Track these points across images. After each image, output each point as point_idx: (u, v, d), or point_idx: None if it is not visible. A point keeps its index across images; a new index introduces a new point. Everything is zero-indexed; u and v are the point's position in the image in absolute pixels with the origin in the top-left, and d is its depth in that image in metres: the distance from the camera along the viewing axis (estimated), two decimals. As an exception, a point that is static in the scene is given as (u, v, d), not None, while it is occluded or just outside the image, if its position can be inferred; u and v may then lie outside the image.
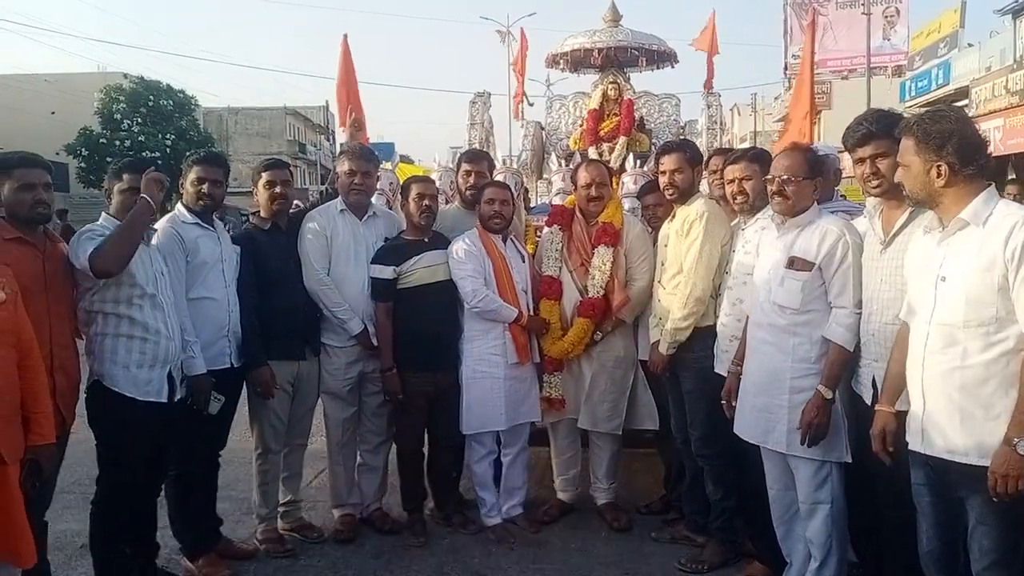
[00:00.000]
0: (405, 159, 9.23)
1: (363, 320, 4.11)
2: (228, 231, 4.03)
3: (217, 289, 3.73)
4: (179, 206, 3.81)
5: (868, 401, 2.91)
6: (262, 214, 4.12)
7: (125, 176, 3.39)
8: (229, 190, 4.22)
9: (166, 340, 3.34)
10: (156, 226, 3.53)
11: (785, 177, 3.17)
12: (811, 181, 3.19)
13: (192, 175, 3.77)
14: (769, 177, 3.26)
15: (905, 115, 2.87)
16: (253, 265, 3.92)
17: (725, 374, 3.56)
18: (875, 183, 2.92)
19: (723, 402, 3.52)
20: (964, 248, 2.43)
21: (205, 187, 3.76)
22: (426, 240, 4.16)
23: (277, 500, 4.20)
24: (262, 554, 4.02)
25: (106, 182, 3.52)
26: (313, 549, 4.11)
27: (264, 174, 4.04)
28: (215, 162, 3.89)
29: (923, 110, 2.80)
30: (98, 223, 3.35)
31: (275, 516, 4.19)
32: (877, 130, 2.88)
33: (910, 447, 2.59)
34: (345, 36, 6.30)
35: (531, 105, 8.01)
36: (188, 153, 4.05)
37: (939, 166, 2.44)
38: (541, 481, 4.92)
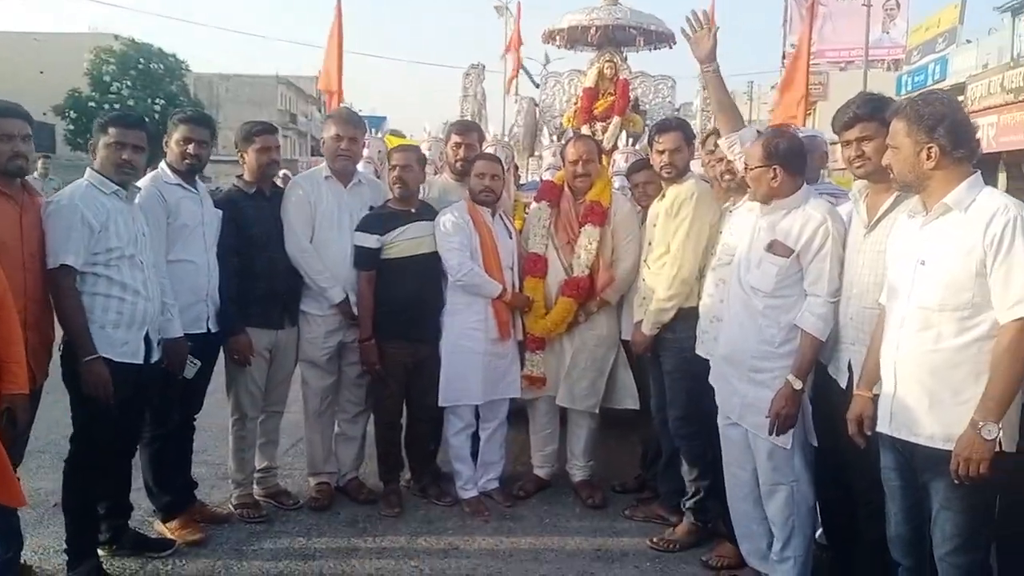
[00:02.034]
0: (396, 133, 9.16)
1: (344, 289, 4.08)
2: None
3: (197, 253, 3.69)
4: (162, 165, 3.75)
5: (843, 385, 2.92)
6: (247, 178, 4.06)
7: (111, 130, 3.31)
8: (216, 158, 4.17)
9: (144, 301, 3.29)
10: (139, 184, 3.48)
11: (755, 166, 3.18)
12: (789, 174, 3.15)
13: (178, 134, 3.71)
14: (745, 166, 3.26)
15: (893, 100, 2.87)
16: (235, 230, 3.88)
17: (705, 356, 3.56)
18: (859, 164, 2.93)
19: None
20: (945, 233, 2.44)
21: (191, 147, 3.71)
22: (413, 211, 4.13)
23: (253, 466, 4.19)
24: (236, 519, 4.01)
25: (92, 135, 3.44)
26: (288, 516, 4.11)
27: (257, 139, 3.98)
28: (202, 122, 3.83)
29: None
30: (82, 181, 3.29)
31: (251, 482, 4.18)
32: (862, 113, 2.90)
33: (878, 429, 2.61)
34: (339, 2, 6.21)
35: (537, 86, 7.92)
36: (174, 111, 3.97)
37: (930, 147, 2.44)
38: (518, 458, 4.93)
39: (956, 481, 2.33)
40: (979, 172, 2.50)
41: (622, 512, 4.23)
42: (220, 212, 3.84)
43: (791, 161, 3.15)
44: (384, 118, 31.19)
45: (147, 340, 3.33)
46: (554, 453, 4.58)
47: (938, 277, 2.42)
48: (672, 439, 3.94)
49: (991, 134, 14.66)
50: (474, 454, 4.37)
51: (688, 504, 3.90)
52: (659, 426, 4.07)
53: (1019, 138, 14.10)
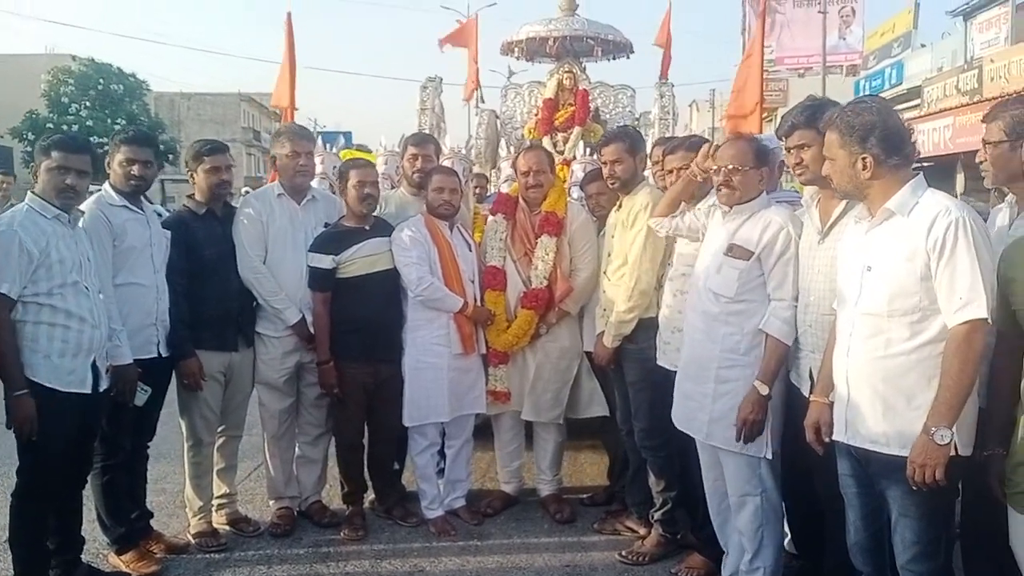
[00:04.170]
0: (362, 148, 9.07)
1: (300, 309, 4.00)
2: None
3: (145, 275, 3.59)
4: (106, 187, 3.65)
5: (806, 393, 2.90)
6: (198, 198, 3.97)
7: (54, 154, 3.19)
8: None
9: (91, 328, 3.19)
10: (82, 207, 3.38)
11: (731, 167, 3.13)
12: (757, 171, 3.16)
13: (120, 155, 3.61)
14: (715, 168, 3.22)
15: (836, 104, 2.87)
16: (185, 251, 3.78)
17: (667, 366, 3.52)
18: (799, 172, 2.95)
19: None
20: (889, 238, 2.44)
21: (135, 168, 3.61)
22: (367, 228, 4.05)
23: (211, 493, 4.08)
24: (194, 548, 3.90)
25: (35, 157, 3.33)
26: (248, 543, 4.00)
27: (207, 158, 3.89)
28: (145, 142, 3.74)
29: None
30: (23, 206, 3.18)
31: (209, 509, 4.07)
32: (799, 121, 2.92)
33: (834, 436, 2.59)
34: (289, 14, 6.12)
35: (482, 101, 7.94)
36: (115, 131, 3.87)
37: (864, 158, 2.44)
38: (486, 474, 4.87)
39: (913, 488, 2.31)
40: (921, 174, 2.50)
41: (591, 526, 4.18)
42: (168, 233, 3.74)
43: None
44: (349, 132, 31.05)
45: (95, 368, 3.22)
46: (521, 468, 4.53)
47: (885, 282, 2.41)
48: (638, 450, 3.90)
49: (947, 136, 14.93)
50: (440, 471, 4.30)
51: (656, 515, 3.85)
52: (625, 437, 4.03)
53: (975, 139, 14.17)
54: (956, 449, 2.29)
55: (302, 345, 4.04)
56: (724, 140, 3.50)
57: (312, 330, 3.98)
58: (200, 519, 4.00)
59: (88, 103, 27.98)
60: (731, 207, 3.18)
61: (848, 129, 2.46)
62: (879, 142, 2.42)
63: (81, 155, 3.25)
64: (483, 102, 7.93)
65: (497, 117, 7.34)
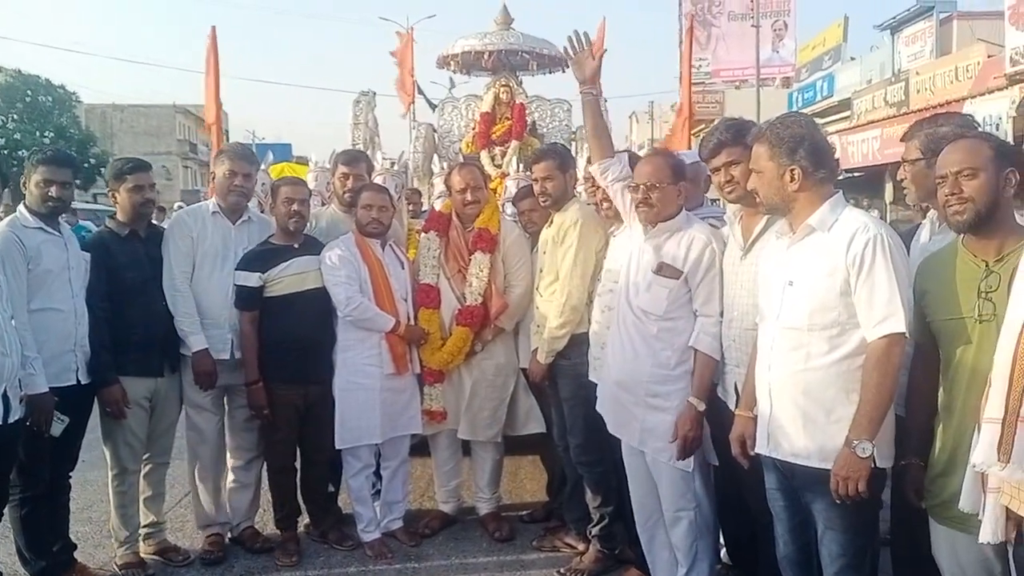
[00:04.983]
0: (301, 160, 8.92)
1: (228, 335, 3.88)
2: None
3: (63, 300, 3.47)
4: (21, 208, 3.51)
5: (732, 407, 2.92)
6: (120, 219, 3.85)
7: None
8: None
9: (1, 356, 3.04)
10: None
11: (649, 183, 3.15)
12: (675, 187, 3.18)
13: (37, 176, 3.48)
14: (632, 185, 3.24)
15: (755, 123, 2.92)
16: (106, 274, 3.67)
17: (597, 381, 3.53)
18: (729, 189, 2.97)
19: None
20: (810, 253, 2.48)
21: (53, 190, 3.49)
22: (296, 246, 3.97)
23: (138, 522, 3.94)
24: (119, 580, 3.77)
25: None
26: (177, 573, 3.89)
27: (129, 177, 3.78)
28: (64, 162, 3.61)
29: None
30: None
31: (136, 539, 3.93)
32: (727, 138, 2.94)
33: (756, 450, 2.62)
34: (213, 28, 5.99)
35: (434, 108, 7.90)
36: (31, 151, 3.72)
37: (792, 170, 2.49)
38: (424, 493, 4.82)
39: (837, 500, 2.35)
40: (840, 192, 2.56)
41: (530, 543, 4.16)
42: (87, 255, 3.62)
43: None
44: (288, 145, 30.63)
45: (5, 399, 3.06)
46: (459, 487, 4.49)
47: (805, 297, 2.45)
48: (575, 466, 3.89)
49: (876, 147, 15.37)
50: (376, 493, 4.23)
51: (594, 531, 3.85)
52: (562, 453, 4.03)
53: (902, 150, 14.81)
54: (875, 462, 2.33)
55: (230, 366, 3.92)
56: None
57: (227, 356, 3.89)
58: (126, 549, 3.87)
59: (15, 116, 27.11)
60: (653, 224, 3.20)
61: (778, 141, 2.50)
62: (807, 155, 2.47)
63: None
64: (433, 109, 7.87)
65: (435, 131, 7.31)
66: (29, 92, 27.94)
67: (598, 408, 3.44)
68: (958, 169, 2.27)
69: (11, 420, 3.10)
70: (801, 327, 2.45)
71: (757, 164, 2.57)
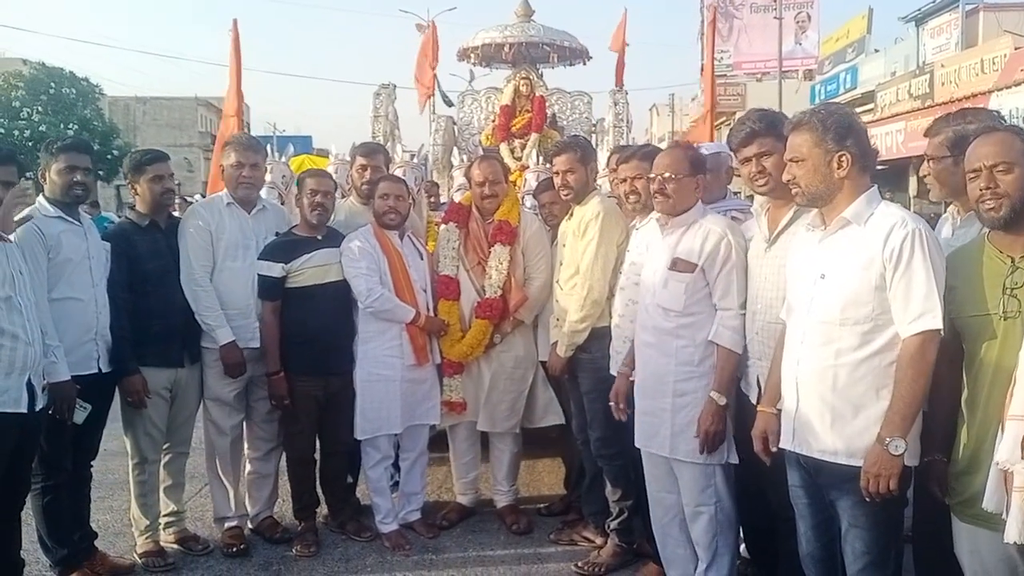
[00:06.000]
0: (321, 152, 8.92)
1: (233, 332, 3.86)
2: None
3: (83, 289, 3.48)
4: (40, 199, 3.53)
5: (754, 401, 2.89)
6: (141, 209, 3.86)
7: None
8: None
9: (24, 346, 3.05)
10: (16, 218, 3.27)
11: (666, 175, 3.12)
12: (692, 179, 3.14)
13: (58, 164, 3.50)
14: (651, 176, 3.21)
15: (785, 115, 2.87)
16: (127, 264, 3.68)
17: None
18: (762, 181, 2.89)
19: (611, 404, 3.47)
20: (844, 246, 2.43)
21: (78, 176, 3.51)
22: (319, 237, 3.98)
23: (158, 511, 3.97)
24: (140, 568, 3.79)
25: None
26: (197, 562, 3.90)
27: (149, 168, 3.80)
28: (83, 148, 3.64)
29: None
30: None
31: (156, 528, 3.96)
32: (760, 128, 2.86)
33: (781, 445, 2.58)
34: (235, 22, 5.99)
35: (450, 105, 7.90)
36: (48, 141, 3.74)
37: (841, 156, 2.42)
38: (442, 486, 4.82)
39: (867, 499, 2.31)
40: (876, 186, 2.50)
41: (548, 536, 4.14)
42: (108, 245, 3.64)
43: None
44: (309, 137, 30.74)
45: (30, 387, 3.10)
46: (477, 479, 4.48)
47: (838, 291, 2.40)
48: (594, 460, 3.87)
49: (900, 140, 15.21)
50: (395, 484, 4.23)
51: (612, 525, 3.84)
52: (581, 447, 4.01)
53: (926, 144, 14.63)
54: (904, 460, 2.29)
55: (252, 357, 3.93)
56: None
57: (248, 351, 3.90)
58: (147, 538, 3.90)
59: (40, 108, 27.33)
60: (668, 220, 3.18)
61: (824, 128, 2.44)
62: (856, 142, 2.42)
63: (7, 166, 3.14)
64: (450, 105, 7.87)
65: (454, 123, 7.30)
66: (53, 85, 28.16)
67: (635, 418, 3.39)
68: (993, 163, 2.22)
69: (37, 408, 3.13)
70: (833, 321, 2.40)
71: (799, 152, 2.49)
